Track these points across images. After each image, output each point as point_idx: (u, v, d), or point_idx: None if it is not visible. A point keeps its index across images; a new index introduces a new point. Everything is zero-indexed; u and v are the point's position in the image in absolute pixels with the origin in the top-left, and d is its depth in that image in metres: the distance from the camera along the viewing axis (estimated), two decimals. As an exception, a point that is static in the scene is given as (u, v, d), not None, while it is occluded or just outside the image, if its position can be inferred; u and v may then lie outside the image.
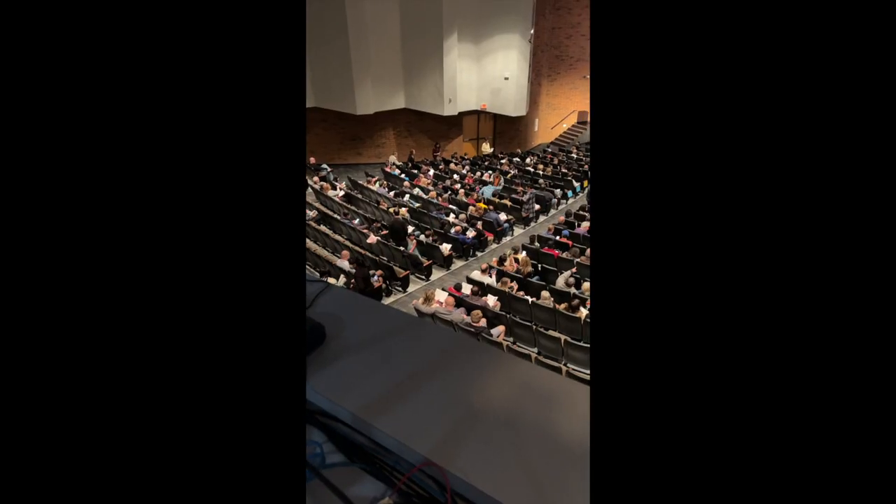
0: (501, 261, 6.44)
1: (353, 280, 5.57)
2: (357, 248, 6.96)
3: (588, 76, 13.98)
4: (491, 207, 8.48)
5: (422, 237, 7.11)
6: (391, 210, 8.04)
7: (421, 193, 9.20)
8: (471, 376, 0.77)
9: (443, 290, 5.79)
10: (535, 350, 4.81)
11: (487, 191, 9.36)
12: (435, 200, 8.70)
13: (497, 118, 14.10)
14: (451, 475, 0.60)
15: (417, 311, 5.04)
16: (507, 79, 12.28)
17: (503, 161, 11.87)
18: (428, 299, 5.03)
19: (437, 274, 6.91)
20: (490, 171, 10.84)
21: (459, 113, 12.74)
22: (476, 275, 5.98)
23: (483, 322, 4.74)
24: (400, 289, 6.39)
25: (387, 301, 6.14)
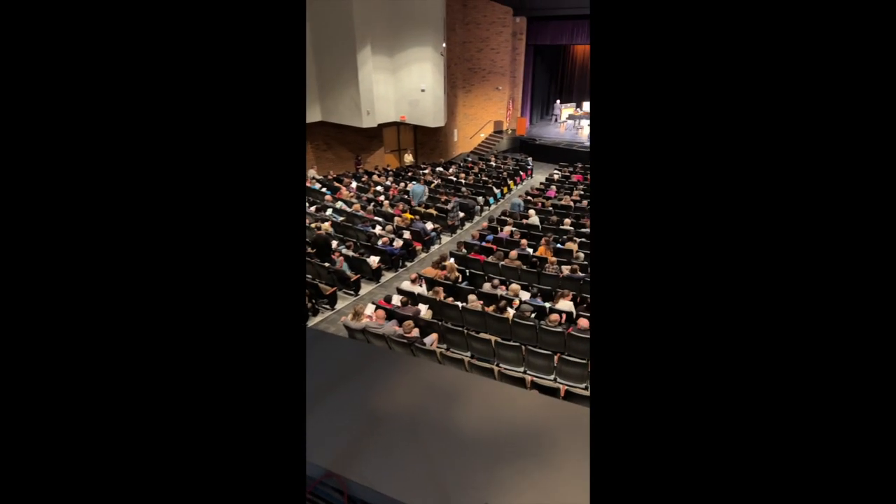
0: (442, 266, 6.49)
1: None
2: (279, 269, 6.59)
3: (500, 88, 14.73)
4: (417, 217, 8.53)
5: (346, 251, 6.95)
6: (313, 225, 7.77)
7: (344, 207, 9.00)
8: (373, 384, 0.78)
9: (373, 303, 5.69)
10: (468, 354, 4.90)
11: (418, 189, 9.45)
12: (359, 213, 8.57)
13: (417, 129, 14.27)
14: (351, 483, 0.60)
15: (347, 327, 4.90)
16: (423, 91, 12.51)
17: (426, 171, 12.02)
18: (357, 315, 4.92)
19: (366, 288, 6.78)
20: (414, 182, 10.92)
21: (379, 125, 12.71)
22: (406, 285, 5.96)
23: (416, 332, 4.73)
24: (327, 307, 6.18)
25: (314, 321, 5.89)
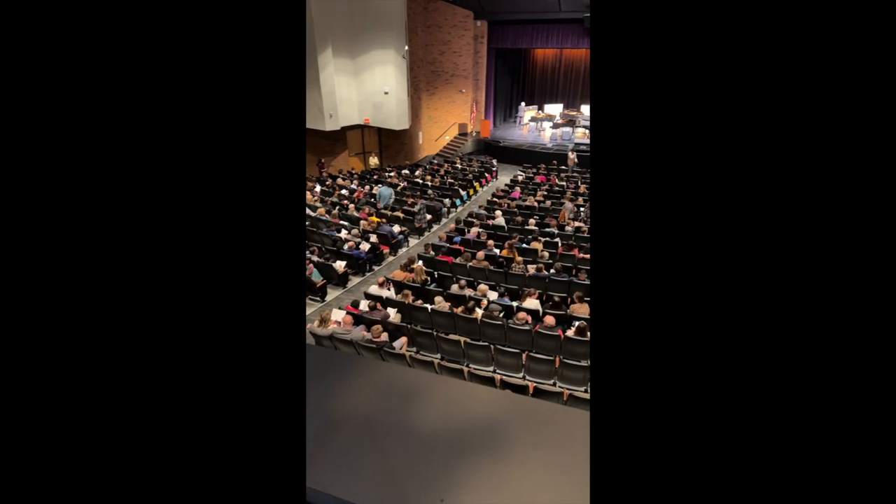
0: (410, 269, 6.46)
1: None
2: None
3: (464, 90, 14.86)
4: (384, 220, 8.47)
5: (312, 257, 6.80)
6: (277, 232, 7.55)
7: (308, 211, 8.82)
8: (330, 388, 0.76)
9: (339, 308, 5.59)
10: (438, 356, 4.90)
11: (385, 192, 9.39)
12: (324, 217, 8.41)
13: (381, 132, 14.18)
14: (308, 490, 0.59)
15: (313, 335, 4.80)
16: (386, 93, 12.44)
17: (392, 174, 11.96)
18: (324, 321, 4.82)
19: (333, 293, 6.67)
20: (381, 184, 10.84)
21: (342, 128, 12.54)
22: (374, 289, 5.90)
23: (384, 336, 4.69)
24: (294, 314, 6.01)
25: (280, 329, 5.72)
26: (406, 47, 12.24)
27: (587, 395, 4.23)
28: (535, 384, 4.22)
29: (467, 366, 4.68)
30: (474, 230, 7.78)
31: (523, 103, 16.31)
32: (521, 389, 4.03)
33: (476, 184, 11.53)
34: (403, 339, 4.89)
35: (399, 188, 10.56)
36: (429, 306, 5.37)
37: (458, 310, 5.17)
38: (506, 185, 11.13)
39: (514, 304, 5.41)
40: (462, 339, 4.82)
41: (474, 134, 15.14)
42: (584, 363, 4.47)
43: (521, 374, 4.61)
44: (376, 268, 7.50)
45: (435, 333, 4.92)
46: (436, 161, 14.14)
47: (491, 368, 4.71)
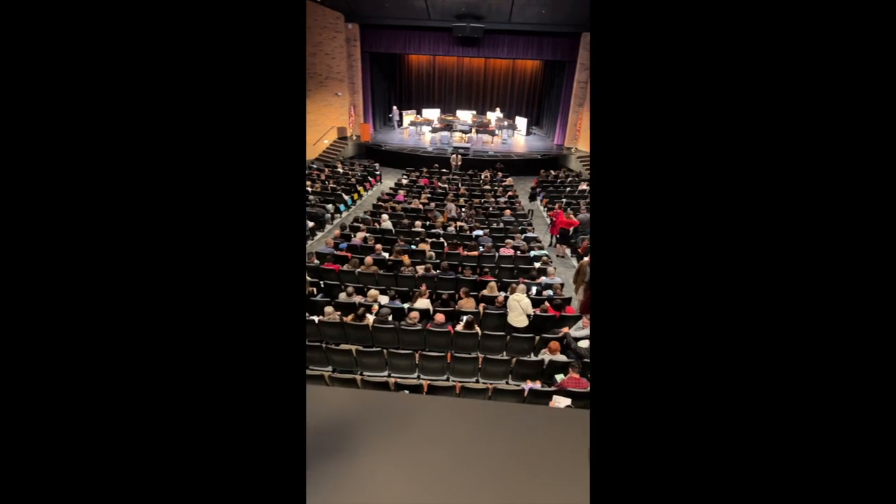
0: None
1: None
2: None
3: (340, 94, 14.49)
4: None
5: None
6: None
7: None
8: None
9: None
10: (329, 369, 4.70)
11: None
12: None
13: (252, 136, 13.07)
14: None
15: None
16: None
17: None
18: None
19: (204, 316, 5.94)
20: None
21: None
22: (252, 307, 5.41)
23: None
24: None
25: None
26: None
27: (479, 385, 4.44)
28: (428, 382, 4.30)
29: (361, 374, 4.57)
30: (360, 235, 7.64)
31: (395, 107, 16.50)
32: (415, 389, 4.07)
33: (360, 188, 11.33)
34: (290, 356, 4.57)
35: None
36: (316, 318, 5.12)
37: (349, 318, 5.02)
38: (390, 188, 11.16)
39: (406, 305, 5.44)
40: (353, 347, 4.69)
41: (354, 138, 14.87)
42: (473, 355, 4.69)
43: (415, 375, 4.66)
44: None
45: (324, 346, 4.71)
46: (315, 166, 13.53)
47: (385, 373, 4.67)
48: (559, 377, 4.28)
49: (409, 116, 16.25)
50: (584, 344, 4.73)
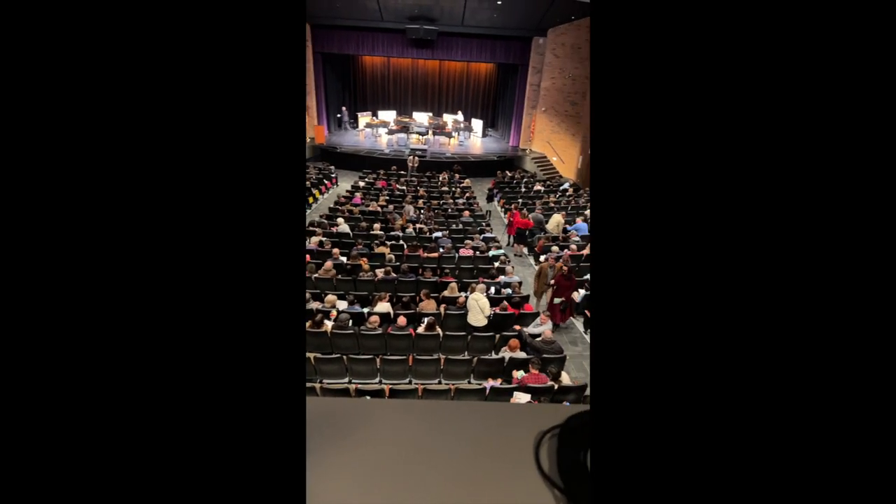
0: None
1: None
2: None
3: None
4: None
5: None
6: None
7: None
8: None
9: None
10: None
11: None
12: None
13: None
14: None
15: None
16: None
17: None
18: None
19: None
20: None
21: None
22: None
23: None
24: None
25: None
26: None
27: (441, 387, 4.46)
28: (390, 386, 4.26)
29: (320, 382, 4.46)
30: (316, 239, 7.45)
31: (344, 108, 16.21)
32: (377, 394, 4.01)
33: (315, 191, 11.06)
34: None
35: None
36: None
37: (306, 325, 4.88)
38: (347, 191, 10.96)
39: (365, 310, 5.36)
40: (312, 355, 4.56)
41: (308, 140, 14.49)
42: (435, 356, 4.69)
43: (377, 380, 4.60)
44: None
45: (281, 355, 4.55)
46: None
47: (346, 379, 4.58)
48: (519, 374, 4.37)
49: (364, 118, 16.03)
50: (538, 338, 4.85)
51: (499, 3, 11.45)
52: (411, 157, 12.85)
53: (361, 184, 11.43)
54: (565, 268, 5.91)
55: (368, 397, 3.92)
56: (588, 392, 4.29)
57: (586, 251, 7.54)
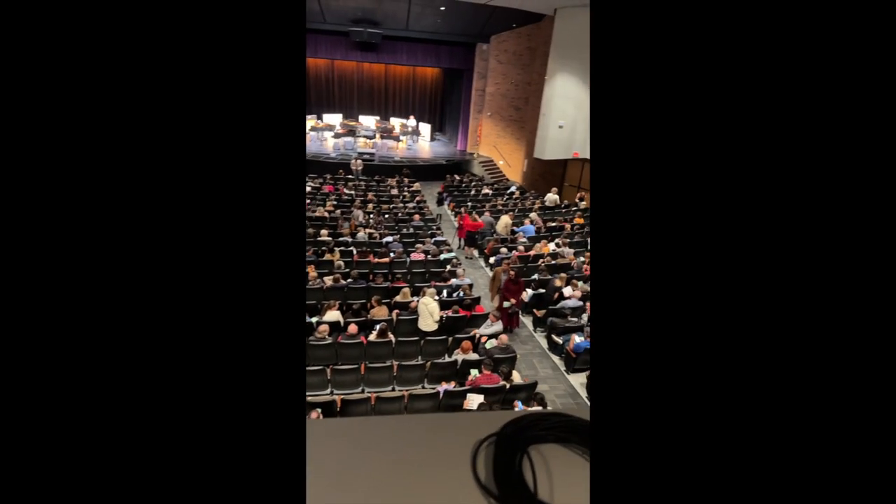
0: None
1: None
2: None
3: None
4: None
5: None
6: None
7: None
8: None
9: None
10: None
11: None
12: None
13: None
14: None
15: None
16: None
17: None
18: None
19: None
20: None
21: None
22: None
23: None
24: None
25: None
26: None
27: (395, 394, 4.41)
28: (341, 397, 4.16)
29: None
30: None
31: None
32: (329, 406, 3.90)
33: (258, 198, 10.57)
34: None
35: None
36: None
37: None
38: (292, 197, 10.57)
39: (314, 319, 5.20)
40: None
41: (249, 144, 13.84)
42: (388, 363, 4.64)
43: (328, 391, 4.47)
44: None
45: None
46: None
47: (295, 393, 4.41)
48: (472, 374, 4.42)
49: (309, 121, 15.58)
50: (491, 343, 4.94)
51: (442, 9, 11.58)
52: (355, 160, 12.66)
53: (307, 188, 11.09)
54: (512, 272, 6.06)
55: (319, 410, 3.80)
56: (538, 390, 4.42)
57: (533, 252, 7.79)
